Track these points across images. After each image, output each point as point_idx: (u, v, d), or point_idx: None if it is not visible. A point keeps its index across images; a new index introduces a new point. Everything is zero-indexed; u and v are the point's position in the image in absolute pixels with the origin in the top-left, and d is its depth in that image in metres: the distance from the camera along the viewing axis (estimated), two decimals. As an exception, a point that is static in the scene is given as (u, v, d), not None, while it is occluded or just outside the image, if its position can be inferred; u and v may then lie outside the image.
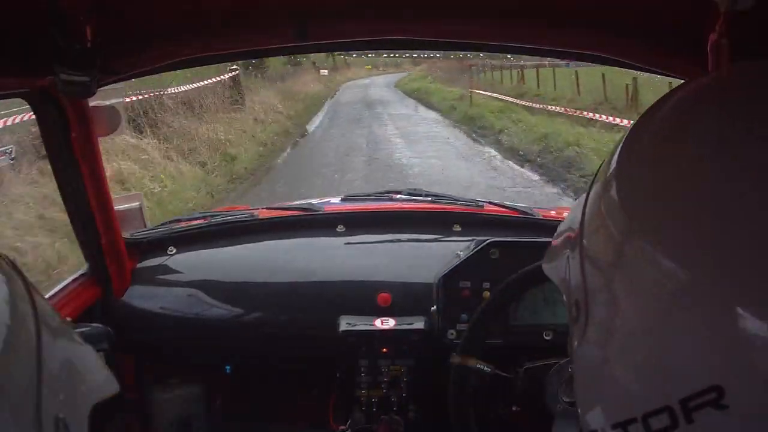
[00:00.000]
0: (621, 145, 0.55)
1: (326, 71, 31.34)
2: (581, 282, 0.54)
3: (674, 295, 0.46)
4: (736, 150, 0.47)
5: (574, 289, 0.56)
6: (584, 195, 0.58)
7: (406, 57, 52.49)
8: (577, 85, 17.02)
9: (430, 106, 20.68)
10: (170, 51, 1.29)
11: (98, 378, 0.61)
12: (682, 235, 0.47)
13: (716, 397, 0.43)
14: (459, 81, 24.72)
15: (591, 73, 15.79)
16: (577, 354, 0.56)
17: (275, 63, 21.80)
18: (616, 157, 0.55)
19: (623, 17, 1.16)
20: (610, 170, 0.54)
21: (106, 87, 1.37)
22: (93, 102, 1.43)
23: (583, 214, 0.56)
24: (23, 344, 0.47)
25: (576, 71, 17.04)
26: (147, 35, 1.24)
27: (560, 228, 0.66)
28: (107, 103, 1.49)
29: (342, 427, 1.66)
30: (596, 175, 0.58)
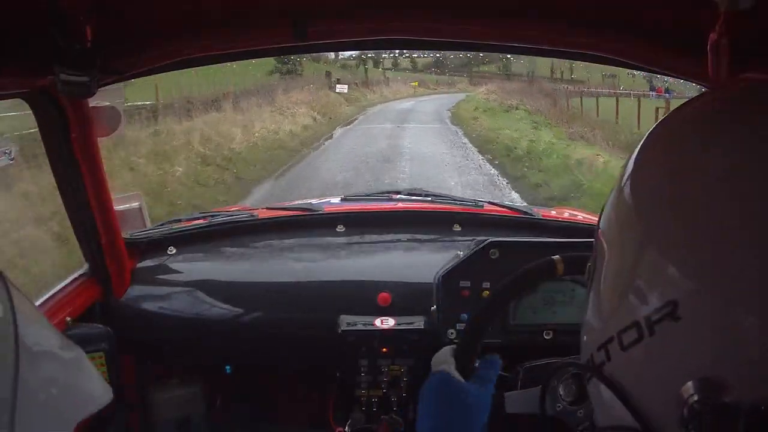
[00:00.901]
0: (636, 154, 0.63)
1: (345, 87, 19.79)
2: (594, 254, 0.67)
3: (641, 240, 0.57)
4: (744, 167, 0.54)
5: (590, 260, 0.69)
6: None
7: (461, 75, 42.05)
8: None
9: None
10: (170, 51, 1.29)
11: (88, 391, 0.59)
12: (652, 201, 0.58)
13: (672, 310, 0.53)
14: (560, 117, 13.98)
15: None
16: (585, 310, 0.68)
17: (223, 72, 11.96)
18: (631, 163, 0.63)
19: (623, 17, 1.16)
20: (625, 175, 0.63)
21: (106, 87, 1.37)
22: (93, 102, 1.43)
23: (602, 210, 0.67)
24: None
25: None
26: (147, 35, 1.24)
27: None
28: (107, 103, 1.49)
29: (342, 430, 1.66)
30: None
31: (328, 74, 20.42)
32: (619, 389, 0.59)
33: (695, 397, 0.52)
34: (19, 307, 0.51)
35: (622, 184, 0.62)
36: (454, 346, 1.04)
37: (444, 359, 0.99)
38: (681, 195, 0.56)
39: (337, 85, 19.34)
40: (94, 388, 0.61)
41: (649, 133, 0.64)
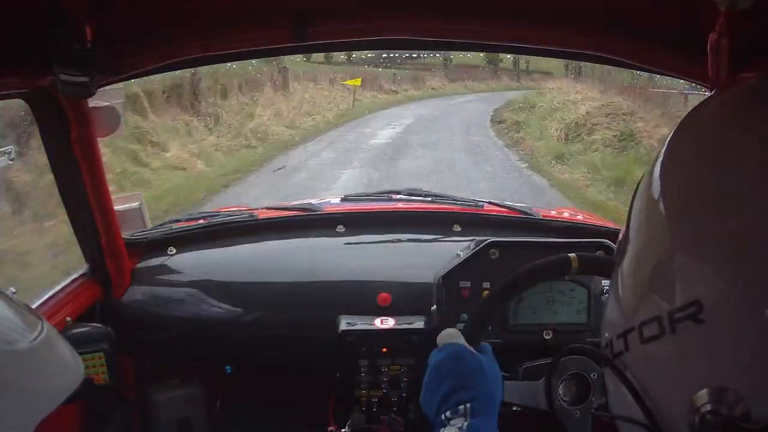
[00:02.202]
0: (668, 141, 0.62)
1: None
2: (625, 237, 0.65)
3: (672, 232, 0.56)
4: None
5: (620, 242, 0.68)
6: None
7: (428, 69, 25.76)
8: None
9: None
10: (170, 51, 1.29)
11: (44, 388, 0.57)
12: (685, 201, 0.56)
13: (695, 312, 0.51)
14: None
15: None
16: (608, 293, 0.67)
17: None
18: (662, 152, 0.62)
19: (623, 17, 1.17)
20: (657, 165, 0.61)
21: (106, 87, 1.37)
22: (93, 102, 1.43)
23: (633, 197, 0.65)
24: None
25: None
26: (147, 35, 1.24)
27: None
28: (107, 103, 1.49)
29: (342, 430, 1.66)
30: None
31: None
32: (631, 384, 0.57)
33: (708, 407, 0.50)
34: None
35: (654, 174, 0.60)
36: (461, 326, 1.05)
37: (452, 335, 0.99)
38: (714, 186, 0.53)
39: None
40: (52, 383, 0.57)
41: (680, 123, 0.62)
